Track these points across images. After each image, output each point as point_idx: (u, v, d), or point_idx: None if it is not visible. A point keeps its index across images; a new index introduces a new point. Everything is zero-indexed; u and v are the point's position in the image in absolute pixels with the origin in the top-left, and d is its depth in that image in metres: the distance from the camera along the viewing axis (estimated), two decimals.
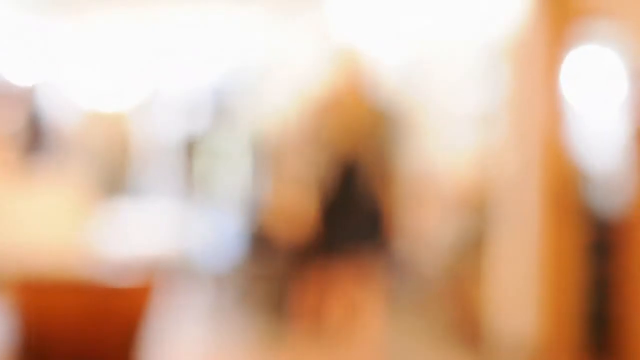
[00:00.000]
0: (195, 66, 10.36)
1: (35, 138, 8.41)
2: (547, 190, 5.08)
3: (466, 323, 6.08)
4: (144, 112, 9.95)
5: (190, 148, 8.07)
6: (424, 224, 5.81)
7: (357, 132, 4.53)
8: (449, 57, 6.63)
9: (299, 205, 4.52)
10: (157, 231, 9.88)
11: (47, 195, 3.45)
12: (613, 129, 4.89)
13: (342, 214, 4.53)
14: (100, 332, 3.52)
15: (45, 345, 3.43)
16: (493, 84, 6.26)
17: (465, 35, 6.74)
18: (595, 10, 4.69)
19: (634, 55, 4.37)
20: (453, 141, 6.61)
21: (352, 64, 4.61)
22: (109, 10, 8.99)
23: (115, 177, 9.11)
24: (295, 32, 9.36)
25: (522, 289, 5.21)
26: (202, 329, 6.58)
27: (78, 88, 9.50)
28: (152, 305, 3.66)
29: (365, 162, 4.55)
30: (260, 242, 6.52)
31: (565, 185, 4.96)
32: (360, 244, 4.52)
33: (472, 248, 6.21)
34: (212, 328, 6.59)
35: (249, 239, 6.75)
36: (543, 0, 5.07)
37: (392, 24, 7.18)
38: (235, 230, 7.32)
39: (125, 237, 7.09)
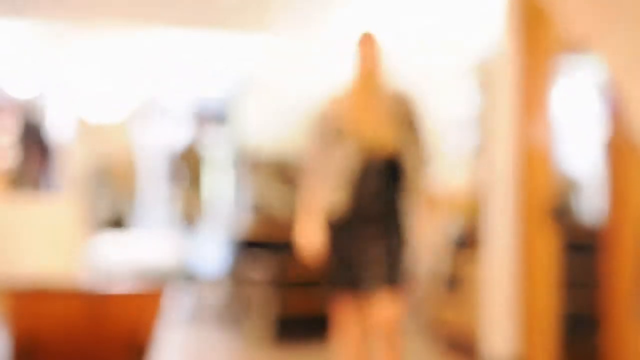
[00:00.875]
0: (194, 78, 10.50)
1: (32, 151, 8.48)
2: (529, 197, 5.17)
3: (454, 330, 6.18)
4: (139, 124, 10.06)
5: (185, 158, 8.17)
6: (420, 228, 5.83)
7: (383, 124, 3.92)
8: (430, 70, 6.72)
9: (320, 218, 3.92)
10: (155, 242, 10.00)
11: (44, 210, 3.50)
12: (591, 141, 5.03)
13: (372, 221, 3.90)
14: (96, 340, 3.55)
15: (41, 354, 3.46)
16: (476, 95, 6.39)
17: (446, 50, 6.89)
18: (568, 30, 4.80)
19: (603, 78, 4.50)
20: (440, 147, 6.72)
21: (371, 48, 4.01)
22: (108, 26, 9.12)
23: (112, 190, 9.20)
24: (293, 48, 9.56)
25: (504, 295, 5.29)
26: (196, 334, 6.68)
27: (76, 99, 9.59)
28: (149, 313, 3.69)
29: (397, 160, 3.94)
30: (252, 249, 6.60)
31: (548, 193, 5.05)
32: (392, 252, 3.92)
33: (460, 253, 6.31)
34: (205, 334, 6.69)
35: (240, 247, 6.83)
36: (519, 20, 5.19)
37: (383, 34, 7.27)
38: (227, 238, 7.44)
39: (122, 248, 7.20)
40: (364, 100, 3.94)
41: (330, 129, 3.91)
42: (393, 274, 3.84)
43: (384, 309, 3.82)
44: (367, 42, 3.99)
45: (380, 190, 3.85)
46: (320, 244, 3.87)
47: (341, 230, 3.87)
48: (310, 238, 3.90)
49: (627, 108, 3.30)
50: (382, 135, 3.88)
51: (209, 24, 8.73)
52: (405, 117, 3.91)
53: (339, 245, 3.87)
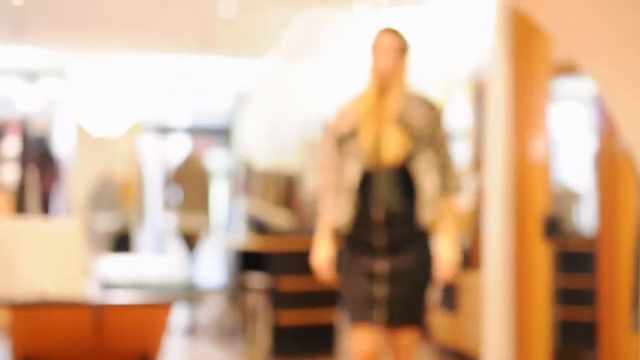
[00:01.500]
0: (196, 96, 10.63)
1: (37, 167, 8.55)
2: (525, 210, 5.22)
3: (450, 339, 6.24)
4: (143, 140, 10.15)
5: (184, 173, 8.26)
6: None
7: (397, 131, 3.43)
8: (426, 82, 6.81)
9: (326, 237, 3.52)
10: (158, 256, 10.06)
11: (47, 227, 3.54)
12: (584, 154, 5.10)
13: (389, 242, 3.42)
14: (101, 353, 3.58)
15: None
16: (471, 108, 6.46)
17: (442, 63, 6.96)
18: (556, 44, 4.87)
19: (595, 94, 4.57)
20: None
21: (390, 47, 3.48)
22: (117, 49, 9.27)
23: (115, 205, 9.28)
24: (289, 71, 9.78)
25: (501, 306, 5.34)
26: (195, 347, 6.74)
27: (81, 116, 9.68)
28: (155, 326, 3.71)
29: (412, 170, 3.46)
30: (249, 261, 6.67)
31: (543, 207, 5.10)
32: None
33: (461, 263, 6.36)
34: (204, 346, 6.75)
35: (238, 258, 6.88)
36: (510, 25, 5.26)
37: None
38: (225, 250, 7.51)
39: (126, 262, 7.26)
40: (378, 106, 3.46)
41: (340, 137, 3.48)
42: (406, 310, 3.39)
43: (395, 334, 3.45)
44: (385, 39, 3.48)
45: (391, 203, 3.39)
46: (327, 264, 3.49)
47: (350, 247, 3.46)
48: (318, 258, 3.52)
49: (617, 123, 3.38)
50: (394, 143, 3.40)
51: (211, 51, 8.91)
52: (425, 124, 3.44)
53: (347, 265, 3.45)
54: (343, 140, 3.46)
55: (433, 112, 3.47)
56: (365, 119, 3.44)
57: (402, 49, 3.48)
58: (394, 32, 3.51)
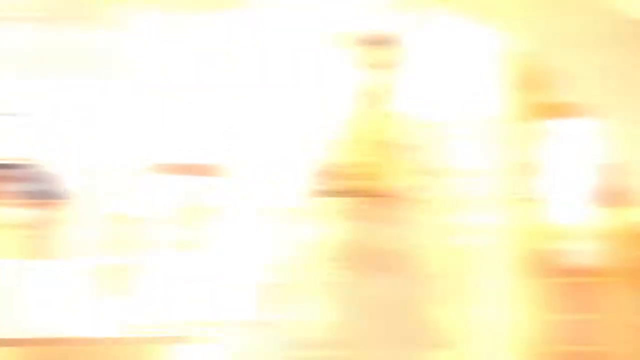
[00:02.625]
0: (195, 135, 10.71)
1: (43, 202, 8.61)
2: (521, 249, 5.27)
3: None
4: (149, 180, 10.22)
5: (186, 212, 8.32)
6: None
7: (391, 155, 2.94)
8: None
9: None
10: (164, 292, 10.07)
11: (54, 265, 3.59)
12: (581, 187, 5.19)
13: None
14: None
15: None
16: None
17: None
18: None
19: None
20: None
21: (381, 58, 2.92)
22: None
23: (124, 243, 9.34)
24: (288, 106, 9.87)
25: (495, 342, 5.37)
26: None
27: (88, 154, 9.76)
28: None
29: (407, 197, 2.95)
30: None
31: (540, 245, 5.14)
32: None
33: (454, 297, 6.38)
34: None
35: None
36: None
37: None
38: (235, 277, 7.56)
39: (133, 300, 7.31)
40: (369, 128, 2.93)
41: (329, 169, 2.97)
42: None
43: None
44: (372, 48, 2.92)
45: (388, 238, 2.90)
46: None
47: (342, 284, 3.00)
48: None
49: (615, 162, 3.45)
50: (394, 167, 2.91)
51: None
52: (426, 139, 2.94)
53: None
54: (332, 172, 2.92)
55: (434, 126, 2.94)
56: (356, 144, 2.93)
57: (394, 58, 2.92)
58: (384, 38, 2.96)
